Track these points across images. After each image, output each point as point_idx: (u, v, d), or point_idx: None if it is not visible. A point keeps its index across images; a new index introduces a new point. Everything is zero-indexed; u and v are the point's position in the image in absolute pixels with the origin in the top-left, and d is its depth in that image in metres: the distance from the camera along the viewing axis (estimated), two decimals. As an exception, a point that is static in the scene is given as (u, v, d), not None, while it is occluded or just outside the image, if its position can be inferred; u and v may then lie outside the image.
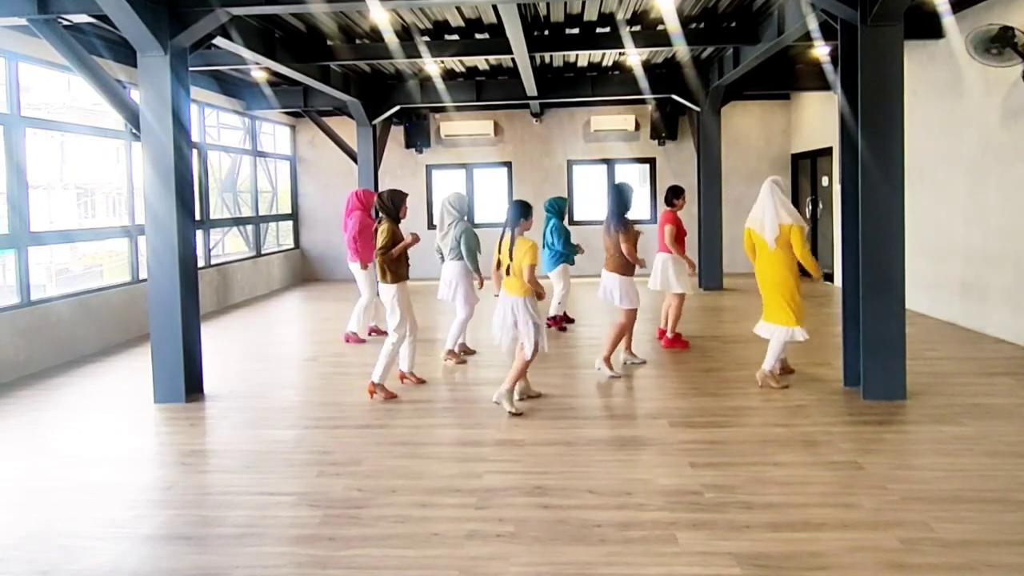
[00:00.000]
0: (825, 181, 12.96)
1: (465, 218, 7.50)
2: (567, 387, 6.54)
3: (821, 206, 13.21)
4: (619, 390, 6.49)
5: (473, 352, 7.90)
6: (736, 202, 14.33)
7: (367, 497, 4.22)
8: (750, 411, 5.68)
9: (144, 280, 8.47)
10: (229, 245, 13.29)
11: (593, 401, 6.21)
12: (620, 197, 6.88)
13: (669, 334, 8.03)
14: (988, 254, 8.18)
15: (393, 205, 6.29)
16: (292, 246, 15.29)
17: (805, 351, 7.67)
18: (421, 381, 6.75)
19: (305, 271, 15.44)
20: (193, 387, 6.45)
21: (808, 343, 8.08)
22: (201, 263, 11.00)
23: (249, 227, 13.48)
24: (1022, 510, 3.86)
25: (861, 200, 5.78)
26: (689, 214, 14.27)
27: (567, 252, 8.83)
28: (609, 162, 14.99)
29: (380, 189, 12.97)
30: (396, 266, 6.21)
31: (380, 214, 6.31)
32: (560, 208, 8.85)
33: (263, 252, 13.85)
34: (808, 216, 13.67)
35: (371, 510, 4.05)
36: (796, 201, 14.45)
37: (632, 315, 6.97)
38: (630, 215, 6.90)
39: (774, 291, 6.17)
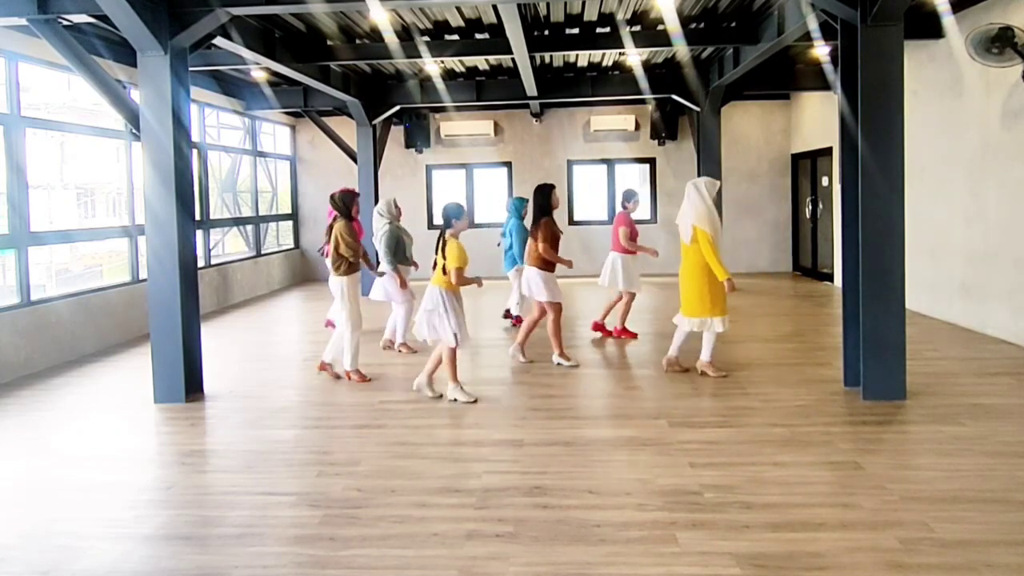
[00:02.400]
0: (825, 181, 12.95)
1: (394, 221, 8.02)
2: (566, 387, 6.54)
3: (821, 206, 13.21)
4: (618, 390, 6.48)
5: (416, 351, 7.97)
6: (736, 202, 14.34)
7: (367, 497, 4.22)
8: (749, 411, 5.68)
9: (144, 280, 8.48)
10: (229, 245, 13.29)
11: (592, 401, 6.22)
12: (538, 198, 7.43)
13: (619, 325, 8.51)
14: (988, 254, 8.18)
15: (344, 204, 6.83)
16: (292, 246, 15.29)
17: (805, 351, 7.69)
18: (336, 376, 6.97)
19: (305, 271, 15.44)
20: (193, 387, 6.45)
21: (808, 343, 8.13)
22: (201, 263, 11.00)
23: (249, 227, 13.48)
24: (1022, 510, 3.86)
25: (861, 200, 5.78)
26: (689, 214, 14.32)
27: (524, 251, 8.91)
28: (609, 162, 14.99)
29: (380, 189, 13.10)
30: (349, 262, 6.72)
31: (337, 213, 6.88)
32: (519, 209, 9.10)
33: (263, 252, 13.85)
34: (809, 216, 13.68)
35: (371, 510, 4.05)
36: (796, 201, 14.48)
37: (544, 309, 7.33)
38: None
39: (688, 285, 6.50)
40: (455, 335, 5.92)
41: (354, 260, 6.74)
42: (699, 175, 12.62)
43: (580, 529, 3.75)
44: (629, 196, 8.56)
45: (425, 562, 3.47)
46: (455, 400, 6.08)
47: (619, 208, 8.58)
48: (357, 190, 7.57)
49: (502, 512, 3.98)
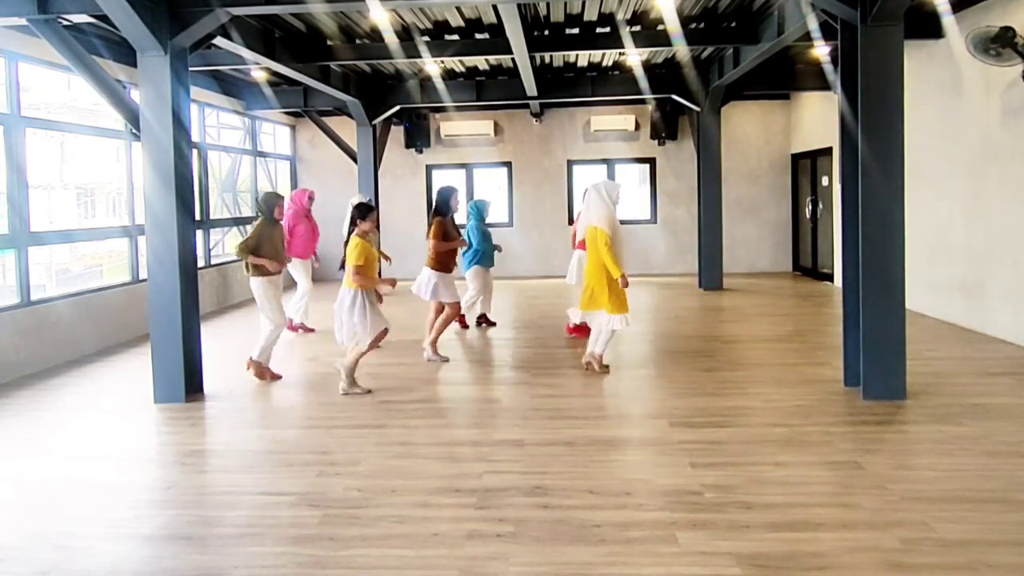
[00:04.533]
0: (825, 181, 12.95)
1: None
2: (566, 387, 6.54)
3: (821, 206, 13.21)
4: (618, 390, 6.49)
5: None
6: (736, 202, 14.34)
7: (367, 497, 4.22)
8: (750, 411, 5.68)
9: (144, 280, 8.46)
10: (229, 245, 13.28)
11: (592, 401, 6.21)
12: (438, 199, 7.72)
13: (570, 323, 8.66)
14: (988, 254, 8.18)
15: (267, 206, 7.00)
16: (292, 246, 15.27)
17: (805, 351, 7.69)
18: (276, 376, 7.05)
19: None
20: (193, 387, 6.45)
21: (808, 343, 8.13)
22: (201, 263, 10.98)
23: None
24: (1022, 510, 3.86)
25: (861, 200, 5.78)
26: (689, 213, 14.35)
27: (481, 253, 8.82)
28: (609, 162, 14.99)
29: (378, 190, 13.11)
30: (258, 264, 6.90)
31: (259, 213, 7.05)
32: (480, 210, 8.93)
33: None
34: (809, 216, 13.68)
35: (371, 510, 4.05)
36: (796, 201, 14.49)
37: (456, 308, 7.61)
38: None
39: (593, 282, 6.68)
40: (356, 334, 6.21)
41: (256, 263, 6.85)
42: (699, 175, 12.63)
43: (580, 529, 3.74)
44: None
45: (425, 562, 3.47)
46: (346, 393, 6.33)
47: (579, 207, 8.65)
48: (282, 193, 7.73)
49: (503, 512, 3.97)
